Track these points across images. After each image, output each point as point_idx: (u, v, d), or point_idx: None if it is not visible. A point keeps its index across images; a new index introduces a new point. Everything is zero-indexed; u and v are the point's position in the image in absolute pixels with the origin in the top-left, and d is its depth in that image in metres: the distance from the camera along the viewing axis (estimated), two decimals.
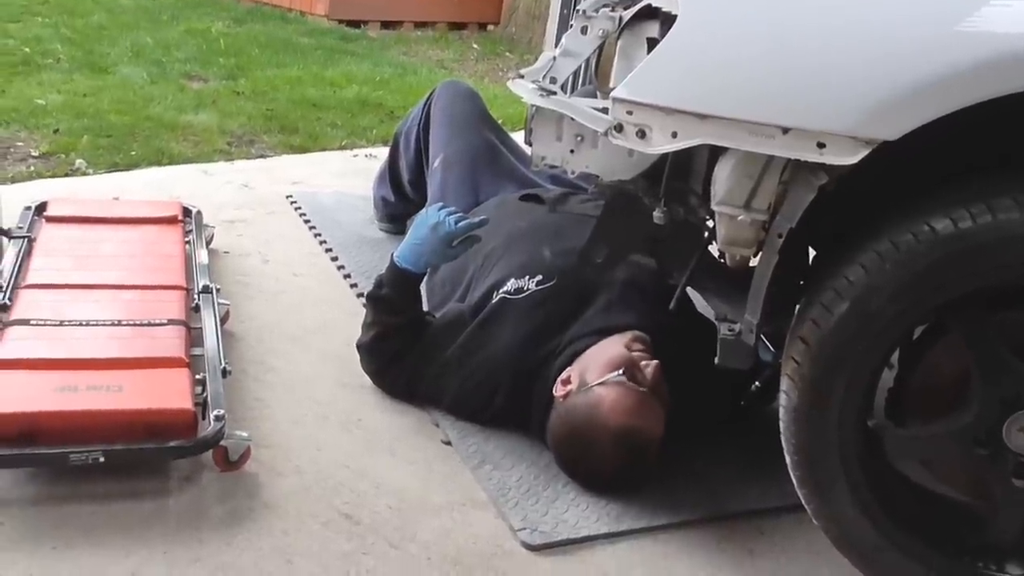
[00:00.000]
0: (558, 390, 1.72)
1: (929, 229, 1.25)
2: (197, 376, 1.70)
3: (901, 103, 1.18)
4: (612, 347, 1.73)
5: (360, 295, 2.22)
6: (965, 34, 1.18)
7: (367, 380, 1.95)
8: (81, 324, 1.79)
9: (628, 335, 1.75)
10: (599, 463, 1.68)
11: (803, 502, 1.44)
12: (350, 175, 3.20)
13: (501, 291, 1.88)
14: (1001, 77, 1.14)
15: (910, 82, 1.18)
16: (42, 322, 1.77)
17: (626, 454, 1.67)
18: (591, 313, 1.86)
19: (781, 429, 1.41)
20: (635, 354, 1.71)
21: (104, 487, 1.56)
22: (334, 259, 2.52)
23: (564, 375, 1.73)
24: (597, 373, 1.68)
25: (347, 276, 2.43)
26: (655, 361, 1.68)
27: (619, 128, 1.34)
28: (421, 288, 1.97)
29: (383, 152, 3.25)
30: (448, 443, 1.81)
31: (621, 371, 1.67)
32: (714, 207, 1.39)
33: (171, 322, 1.83)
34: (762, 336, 1.68)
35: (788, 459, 1.41)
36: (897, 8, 1.25)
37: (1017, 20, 1.19)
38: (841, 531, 1.42)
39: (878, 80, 1.20)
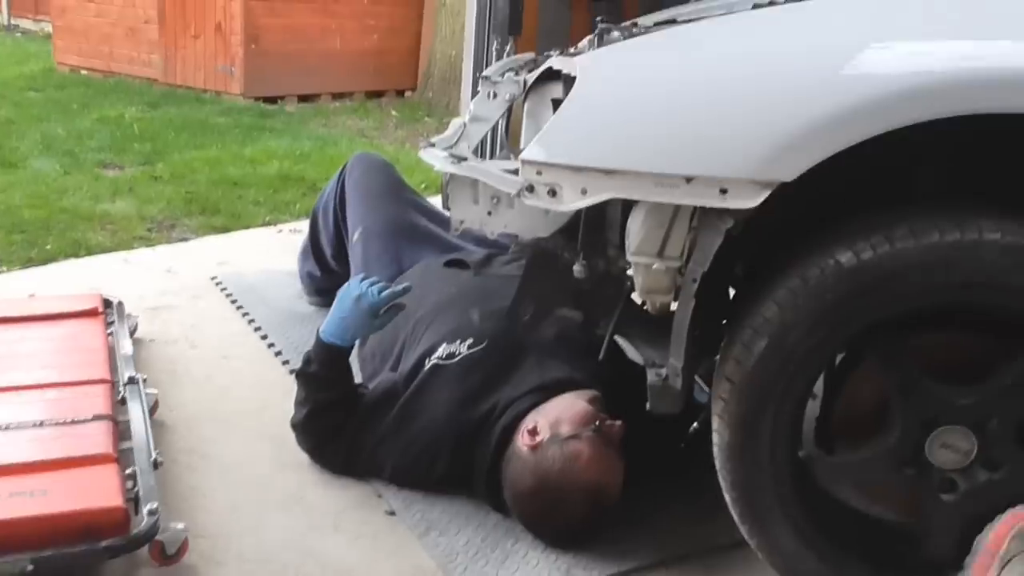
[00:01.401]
0: (524, 440, 1.71)
1: (834, 262, 1.30)
2: (127, 471, 1.66)
3: (793, 145, 1.23)
4: (578, 403, 1.75)
5: (292, 372, 2.20)
6: (848, 76, 1.24)
7: (305, 457, 1.92)
8: (1, 428, 1.73)
9: (587, 393, 1.78)
10: (567, 514, 1.68)
11: (746, 537, 1.46)
12: (275, 252, 3.18)
13: (433, 357, 1.88)
14: (882, 115, 1.21)
15: (800, 125, 1.23)
16: None
17: (592, 508, 1.69)
18: (524, 371, 1.87)
19: (717, 466, 1.43)
20: (599, 412, 1.73)
21: None
22: (264, 337, 2.50)
23: (529, 425, 1.73)
24: (570, 426, 1.70)
25: (278, 354, 2.41)
26: (619, 421, 1.71)
27: (530, 188, 1.38)
28: (352, 360, 1.96)
29: (307, 226, 3.26)
30: (392, 513, 1.79)
31: (595, 426, 1.69)
32: (629, 258, 1.42)
33: (96, 417, 1.78)
34: (697, 378, 1.72)
35: (727, 496, 1.44)
36: (783, 56, 1.33)
37: (894, 61, 1.26)
38: (785, 563, 1.45)
39: (770, 125, 1.26)
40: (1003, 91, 1.19)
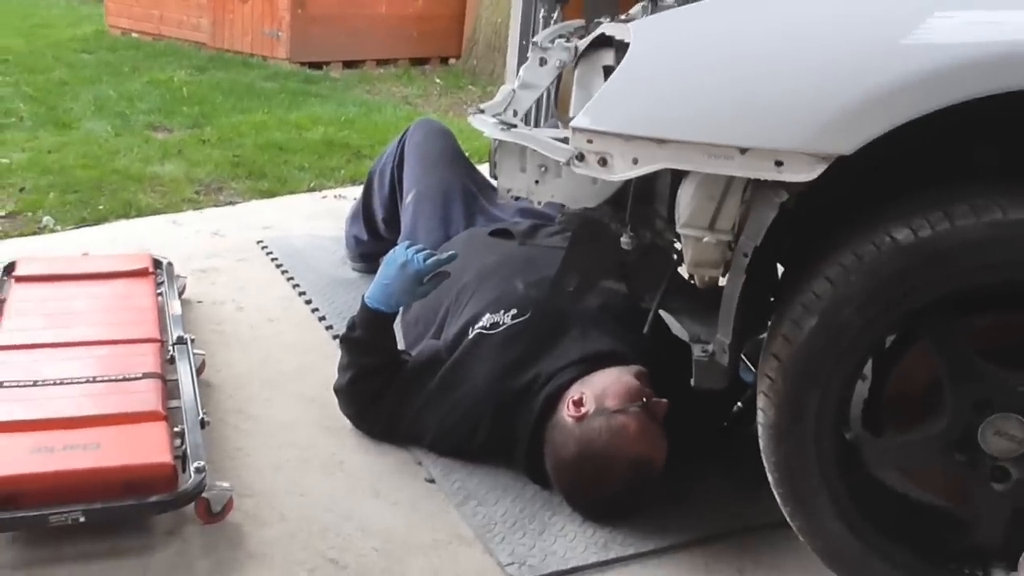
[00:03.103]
0: (569, 410, 1.71)
1: (890, 239, 1.26)
2: (175, 429, 1.69)
3: (853, 117, 1.20)
4: (626, 377, 1.74)
5: (336, 337, 2.21)
6: (911, 46, 1.20)
7: (347, 422, 1.94)
8: (55, 383, 1.77)
9: (634, 368, 1.77)
10: (609, 487, 1.68)
11: (787, 518, 1.44)
12: (320, 217, 3.20)
13: (476, 327, 1.89)
14: (947, 88, 1.17)
15: (860, 96, 1.20)
16: (15, 383, 1.76)
17: (635, 482, 1.69)
18: (567, 343, 1.87)
19: (761, 447, 1.41)
20: (646, 387, 1.72)
21: (86, 547, 1.54)
22: (308, 302, 2.52)
23: (575, 396, 1.73)
24: (616, 400, 1.69)
25: (322, 319, 2.42)
26: (664, 400, 1.70)
27: (580, 157, 1.36)
28: (395, 327, 1.97)
29: (352, 192, 3.28)
30: (432, 481, 1.80)
31: (642, 402, 1.68)
32: (679, 230, 1.40)
33: (146, 375, 1.81)
34: (743, 356, 1.70)
35: (769, 476, 1.42)
36: (844, 24, 1.28)
37: (959, 31, 1.22)
38: (827, 545, 1.43)
39: (830, 96, 1.22)
40: None
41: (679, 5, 1.59)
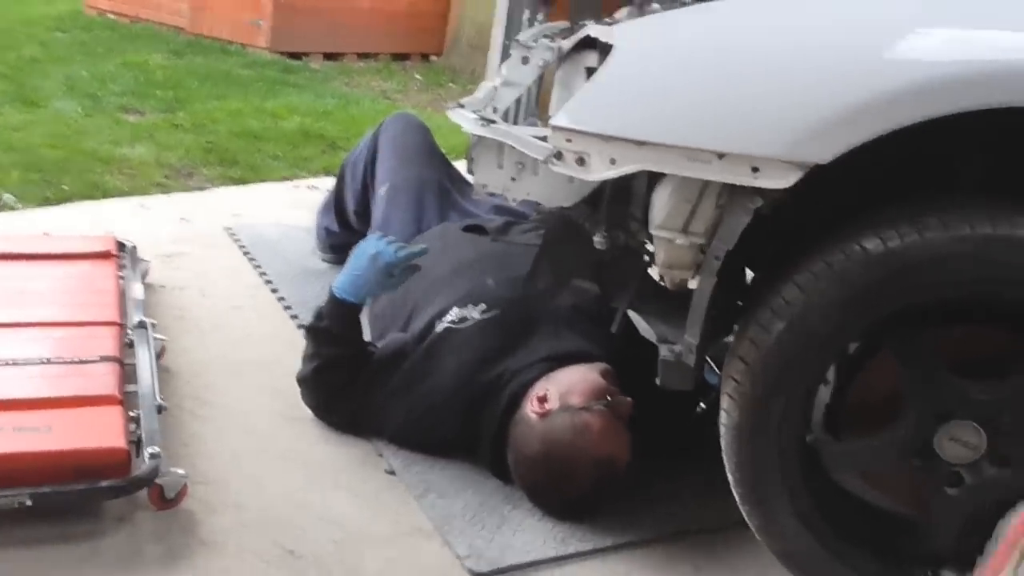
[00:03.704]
0: (533, 406, 1.71)
1: (860, 248, 1.28)
2: (131, 413, 1.65)
3: (831, 127, 1.21)
4: (591, 375, 1.74)
5: (301, 327, 2.19)
6: (891, 61, 1.22)
7: (309, 413, 1.91)
8: (8, 363, 1.73)
9: (599, 366, 1.77)
10: (571, 485, 1.68)
11: (746, 518, 1.45)
12: (291, 207, 3.16)
13: (445, 320, 1.87)
14: (924, 102, 1.18)
15: (839, 107, 1.21)
16: None
17: (598, 481, 1.68)
18: (537, 340, 1.86)
19: (723, 447, 1.42)
20: (611, 386, 1.72)
21: (34, 532, 1.50)
22: (274, 291, 2.49)
23: (539, 392, 1.72)
24: (581, 398, 1.69)
25: (288, 308, 2.40)
26: (629, 399, 1.70)
27: (559, 156, 1.36)
28: (362, 318, 1.95)
29: (325, 183, 3.24)
30: (392, 473, 1.78)
31: (606, 401, 1.67)
32: (653, 231, 1.41)
33: (103, 359, 1.78)
34: (707, 359, 1.71)
35: (730, 476, 1.43)
36: (826, 35, 1.29)
37: (938, 48, 1.23)
38: (784, 546, 1.44)
39: (809, 105, 1.23)
40: None
41: (664, 10, 1.59)
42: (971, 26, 1.25)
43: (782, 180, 1.23)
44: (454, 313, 1.88)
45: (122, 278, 2.19)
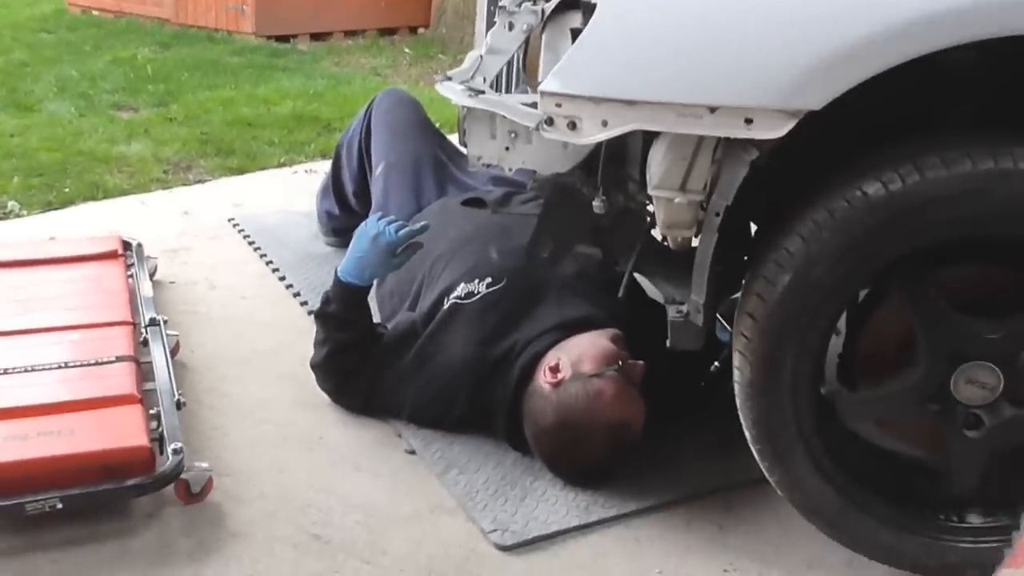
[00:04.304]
0: (546, 376, 1.71)
1: (862, 194, 1.27)
2: (151, 411, 1.67)
3: (822, 72, 1.20)
4: (601, 341, 1.74)
5: (311, 313, 2.19)
6: (876, 1, 1.20)
7: (325, 398, 1.93)
8: (27, 370, 1.75)
9: (609, 331, 1.77)
10: (589, 452, 1.69)
11: (766, 474, 1.45)
12: (292, 192, 3.16)
13: (451, 297, 1.87)
14: (914, 40, 1.16)
15: (828, 51, 1.19)
16: None
17: (614, 445, 1.69)
18: (544, 309, 1.86)
19: (738, 405, 1.42)
20: (621, 351, 1.72)
21: (65, 534, 1.53)
22: (282, 279, 2.49)
23: (551, 362, 1.72)
24: (593, 364, 1.69)
25: (296, 295, 2.40)
26: (641, 361, 1.70)
27: (550, 121, 1.34)
28: (370, 300, 1.95)
29: (323, 166, 3.23)
30: (412, 452, 1.80)
31: (618, 366, 1.68)
32: (651, 192, 1.40)
33: (119, 359, 1.79)
34: (719, 316, 1.70)
35: (747, 433, 1.43)
36: None
37: None
38: (805, 499, 1.44)
39: (798, 52, 1.22)
40: None
41: None
42: None
43: (776, 130, 1.22)
44: (460, 288, 1.88)
45: (131, 277, 2.21)
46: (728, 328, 1.79)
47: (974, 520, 1.44)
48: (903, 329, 1.39)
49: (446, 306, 1.87)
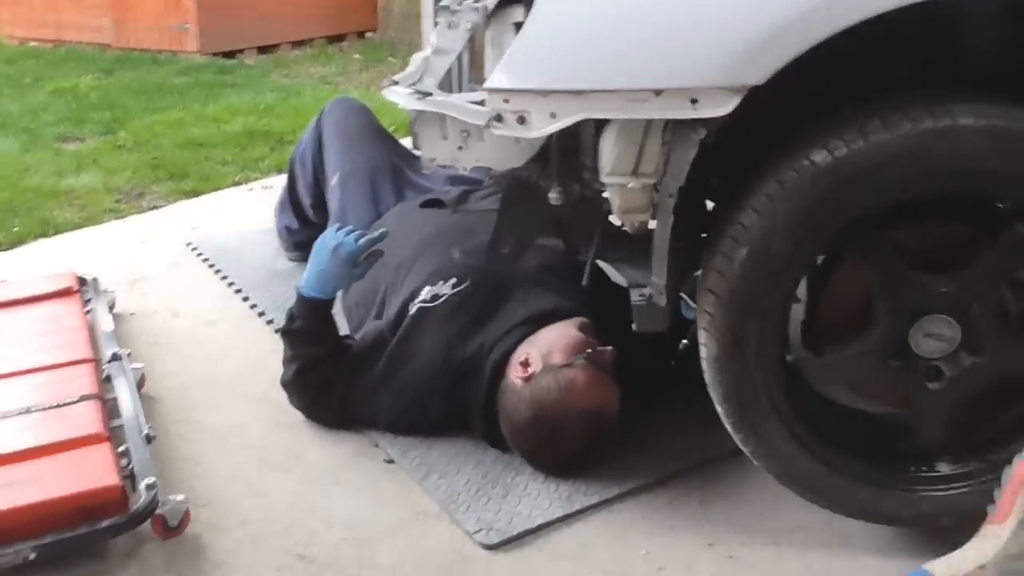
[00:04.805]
0: (517, 372, 1.71)
1: (809, 163, 1.28)
2: (120, 448, 1.64)
3: (760, 47, 1.21)
4: (569, 331, 1.74)
5: (278, 331, 2.17)
6: None
7: (300, 416, 1.91)
8: None
9: (576, 320, 1.77)
10: (566, 442, 1.68)
11: (741, 446, 1.47)
12: (249, 211, 3.12)
13: (417, 301, 1.86)
14: (844, 9, 1.17)
15: (764, 27, 1.21)
16: None
17: (592, 433, 1.69)
18: (510, 305, 1.86)
19: (707, 381, 1.43)
20: (590, 338, 1.72)
21: None
22: (246, 299, 2.47)
23: (521, 357, 1.72)
24: (562, 355, 1.69)
25: (262, 314, 2.38)
26: (610, 347, 1.70)
27: (499, 118, 1.35)
28: (336, 312, 1.94)
29: (279, 181, 3.20)
30: (391, 461, 1.79)
31: (586, 354, 1.67)
32: (604, 179, 1.40)
33: (83, 398, 1.76)
34: (683, 295, 1.71)
35: (719, 408, 1.44)
36: None
37: None
38: (781, 466, 1.46)
39: (735, 28, 1.23)
40: None
41: None
42: None
43: (721, 107, 1.23)
44: (425, 292, 1.87)
45: (88, 313, 2.17)
46: (693, 306, 1.80)
47: (944, 469, 1.47)
48: (861, 291, 1.41)
49: (413, 311, 1.86)
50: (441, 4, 1.84)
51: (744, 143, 1.37)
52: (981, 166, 1.25)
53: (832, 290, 1.44)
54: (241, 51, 6.11)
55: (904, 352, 1.39)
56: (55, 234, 2.99)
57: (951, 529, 1.42)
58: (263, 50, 6.22)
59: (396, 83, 1.65)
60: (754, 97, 1.22)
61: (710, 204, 1.59)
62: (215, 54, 5.98)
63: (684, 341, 1.80)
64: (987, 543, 1.25)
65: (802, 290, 1.43)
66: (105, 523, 1.49)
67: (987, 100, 1.26)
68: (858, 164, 1.25)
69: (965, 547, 1.29)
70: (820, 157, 1.26)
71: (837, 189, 1.27)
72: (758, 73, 1.21)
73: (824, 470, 1.44)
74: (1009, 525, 1.23)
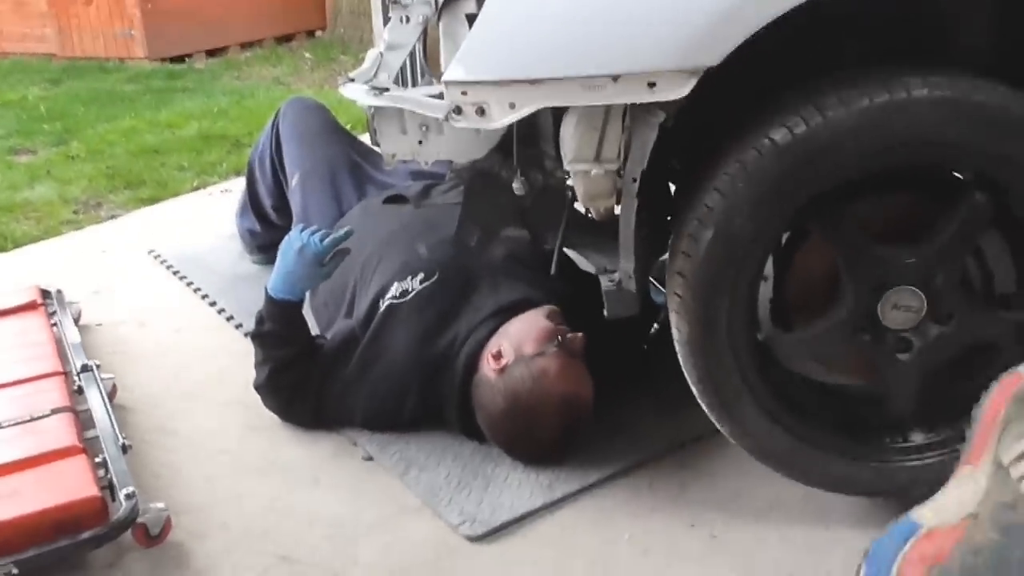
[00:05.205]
0: (490, 365, 1.71)
1: (770, 141, 1.29)
2: (96, 459, 1.63)
3: (712, 30, 1.22)
4: (538, 320, 1.75)
5: (248, 335, 2.16)
6: None
7: (275, 418, 1.90)
8: None
9: (546, 309, 1.77)
10: (544, 431, 1.69)
11: (717, 425, 1.49)
12: (209, 215, 3.10)
13: (387, 297, 1.86)
14: None
15: (717, 8, 1.21)
16: None
17: (568, 420, 1.70)
18: (480, 297, 1.86)
19: (681, 362, 1.45)
20: (559, 326, 1.73)
21: None
22: (212, 304, 2.45)
23: (493, 350, 1.73)
24: (533, 345, 1.69)
25: (230, 318, 2.36)
26: (580, 333, 1.71)
27: (458, 110, 1.34)
28: (305, 312, 1.93)
29: (237, 185, 3.18)
30: (370, 458, 1.79)
31: (558, 341, 1.69)
32: (567, 166, 1.41)
33: (55, 411, 1.74)
34: (652, 280, 1.73)
35: (693, 389, 1.46)
36: None
37: None
38: (758, 444, 1.48)
39: (689, 11, 1.23)
40: None
41: None
42: None
43: (678, 90, 1.24)
44: (394, 288, 1.87)
45: (55, 325, 2.14)
46: (662, 290, 1.82)
47: (917, 439, 1.50)
48: (827, 266, 1.43)
49: (382, 308, 1.86)
50: None
51: (703, 124, 1.39)
52: (938, 138, 1.27)
53: (798, 267, 1.46)
54: (190, 55, 6.04)
55: (872, 325, 1.41)
56: (14, 248, 2.94)
57: (928, 497, 1.45)
58: (212, 53, 6.15)
59: (352, 80, 1.65)
60: (711, 78, 1.24)
61: (673, 187, 1.61)
62: (163, 59, 5.91)
63: (655, 325, 1.83)
64: (965, 487, 1.21)
65: (769, 268, 1.45)
66: (86, 535, 1.48)
67: (942, 72, 1.28)
68: (818, 140, 1.27)
69: (946, 490, 1.27)
70: (780, 135, 1.28)
71: (798, 166, 1.29)
72: (713, 55, 1.22)
73: (800, 445, 1.47)
74: (983, 468, 1.20)
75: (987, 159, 1.30)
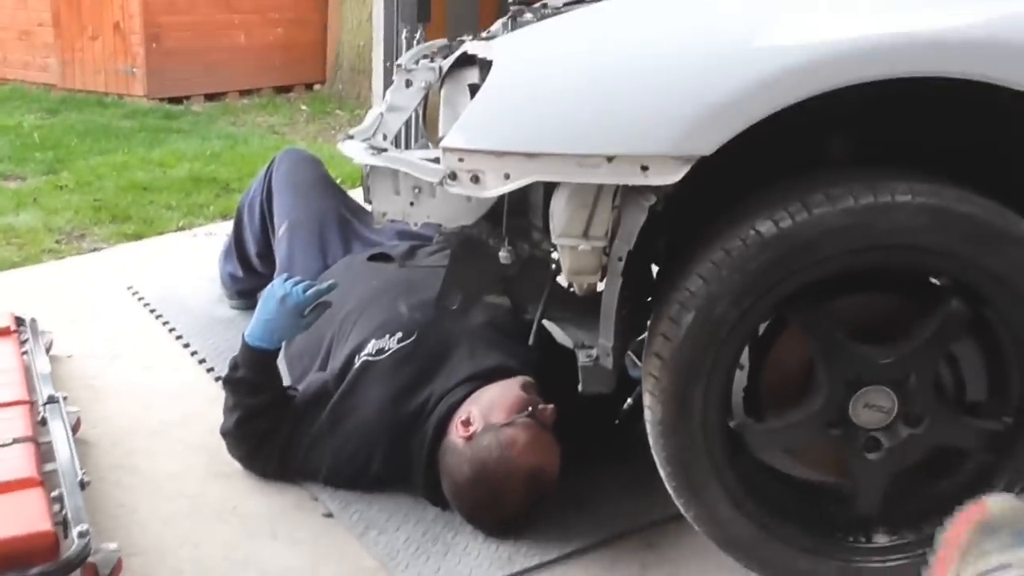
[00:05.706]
0: (458, 432, 1.70)
1: (755, 232, 1.32)
2: (53, 493, 1.59)
3: (710, 119, 1.25)
4: (512, 389, 1.74)
5: (219, 379, 2.14)
6: (759, 49, 1.26)
7: (238, 466, 1.88)
8: None
9: (519, 380, 1.77)
10: (508, 501, 1.68)
11: (682, 510, 1.48)
12: (192, 257, 3.10)
13: (363, 354, 1.86)
14: (795, 85, 1.23)
15: (715, 99, 1.25)
16: None
17: (534, 492, 1.69)
18: (456, 361, 1.86)
19: (651, 443, 1.45)
20: (532, 397, 1.73)
21: None
22: (186, 346, 2.43)
23: (463, 416, 1.72)
24: (504, 414, 1.69)
25: (202, 361, 2.34)
26: (552, 405, 1.71)
27: (453, 176, 1.37)
28: (279, 362, 1.92)
29: (223, 228, 3.19)
30: (330, 515, 1.76)
31: (528, 412, 1.68)
32: (555, 240, 1.43)
33: (16, 440, 1.71)
34: (631, 354, 1.74)
35: (661, 471, 1.45)
36: (697, 32, 1.34)
37: (804, 32, 1.28)
38: (722, 532, 1.47)
39: (687, 101, 1.27)
40: (910, 55, 1.22)
41: (537, 20, 1.62)
42: (825, 10, 1.31)
43: (671, 175, 1.27)
44: (371, 346, 1.87)
45: (25, 354, 2.11)
46: (639, 365, 1.83)
47: (881, 540, 1.49)
48: (802, 359, 1.45)
49: (357, 364, 1.86)
50: (397, 63, 1.88)
51: (690, 209, 1.41)
52: (919, 243, 1.31)
53: (774, 357, 1.48)
54: (188, 97, 6.11)
55: (843, 421, 1.42)
56: None
57: None
58: (211, 97, 6.23)
59: (351, 137, 1.68)
60: (702, 165, 1.27)
61: (655, 268, 1.64)
62: (162, 99, 5.97)
63: (628, 401, 1.83)
64: None
65: (744, 357, 1.46)
66: (34, 571, 1.43)
67: (925, 179, 1.32)
68: (802, 235, 1.30)
69: None
70: (765, 227, 1.31)
71: (781, 259, 1.31)
72: (706, 144, 1.26)
73: (764, 536, 1.46)
74: None
75: (967, 269, 1.33)
